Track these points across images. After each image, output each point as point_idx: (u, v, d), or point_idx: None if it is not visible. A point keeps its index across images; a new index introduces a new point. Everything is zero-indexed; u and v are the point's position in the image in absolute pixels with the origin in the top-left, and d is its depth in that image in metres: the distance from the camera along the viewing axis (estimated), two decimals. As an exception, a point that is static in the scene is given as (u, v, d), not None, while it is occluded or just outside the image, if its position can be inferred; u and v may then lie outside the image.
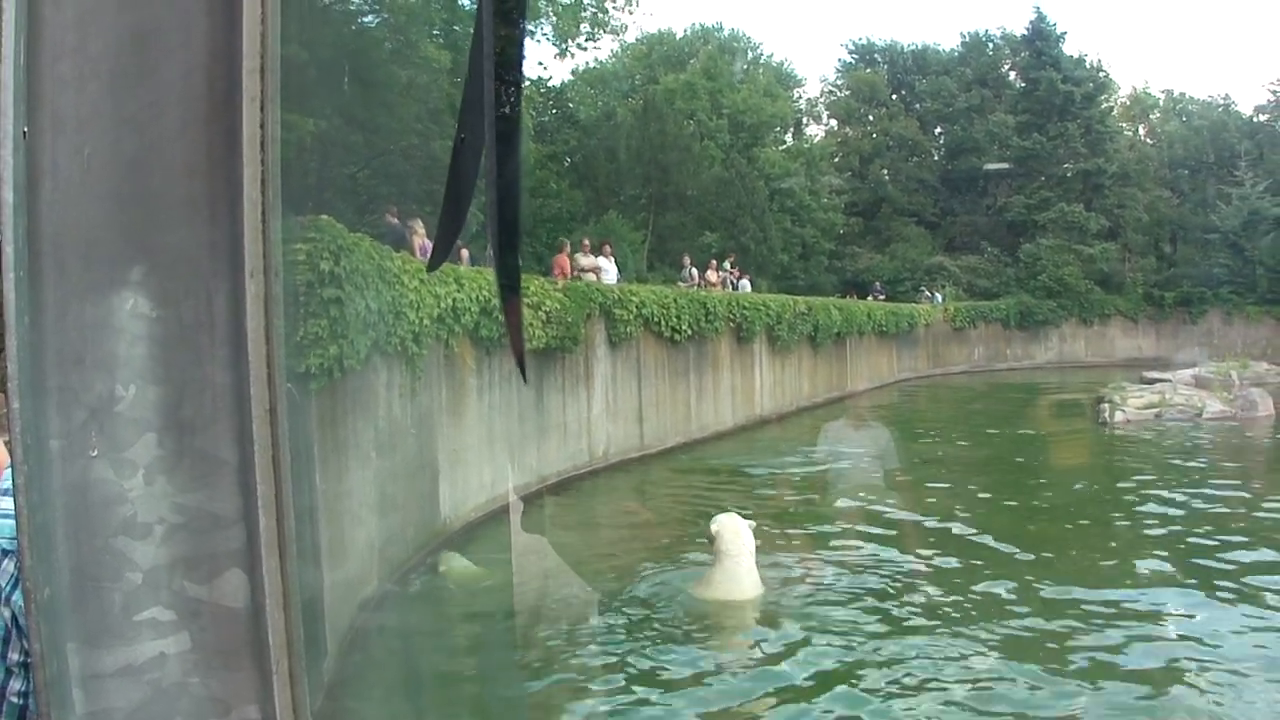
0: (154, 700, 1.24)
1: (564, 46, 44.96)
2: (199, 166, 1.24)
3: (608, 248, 28.27)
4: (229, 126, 1.24)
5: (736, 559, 11.00)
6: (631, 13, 54.10)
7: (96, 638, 1.22)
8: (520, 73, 1.31)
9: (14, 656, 2.28)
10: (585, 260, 26.04)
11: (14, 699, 2.29)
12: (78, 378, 1.22)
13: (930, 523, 15.09)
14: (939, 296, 55.26)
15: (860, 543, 13.84)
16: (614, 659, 9.70)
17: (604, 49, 56.28)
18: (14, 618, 2.25)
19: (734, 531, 11.12)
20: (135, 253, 1.23)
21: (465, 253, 18.32)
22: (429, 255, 16.38)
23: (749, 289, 37.28)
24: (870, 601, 11.14)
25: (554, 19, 42.09)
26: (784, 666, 9.36)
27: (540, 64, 46.53)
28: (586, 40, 46.32)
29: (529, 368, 17.44)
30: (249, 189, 1.23)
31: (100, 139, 1.22)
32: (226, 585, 1.25)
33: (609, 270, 26.26)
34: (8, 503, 2.23)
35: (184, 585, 1.24)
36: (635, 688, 8.99)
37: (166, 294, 1.23)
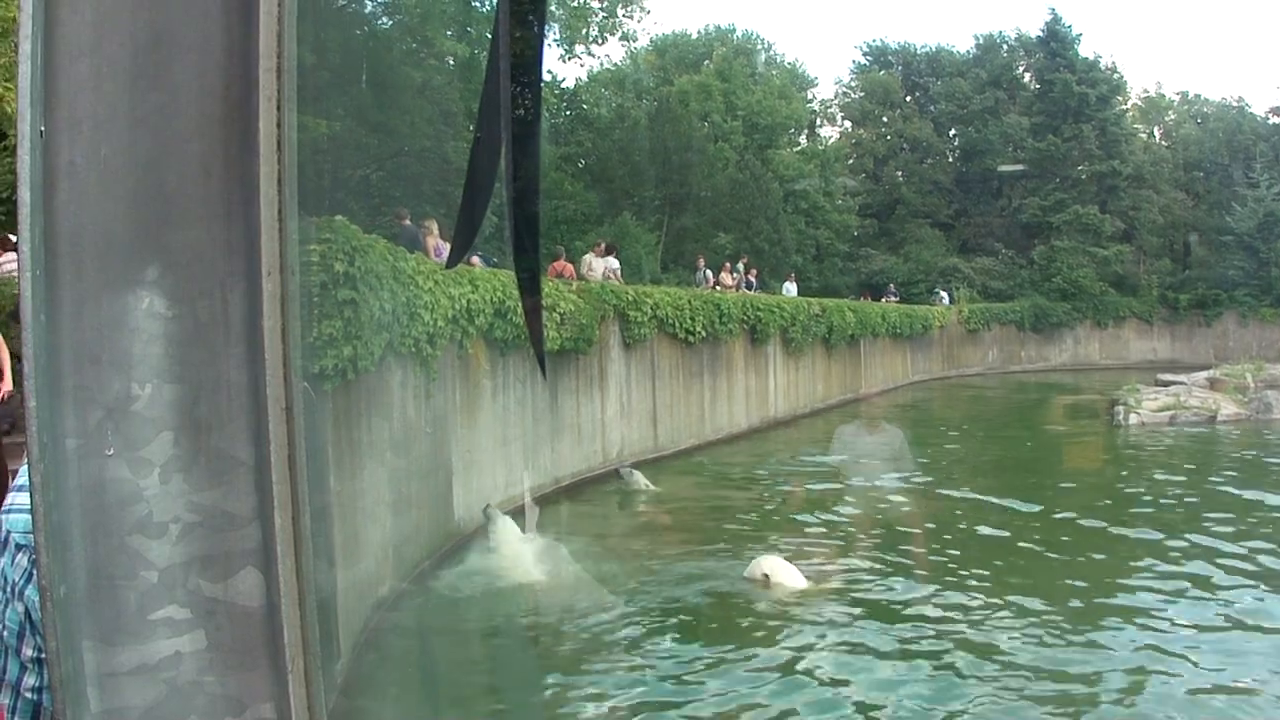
0: (169, 698, 1.24)
1: (570, 50, 44.85)
2: (215, 166, 1.24)
3: (601, 245, 28.27)
4: (245, 126, 1.24)
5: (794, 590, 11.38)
6: (639, 20, 54.00)
7: (112, 636, 1.23)
8: (538, 74, 1.31)
9: (28, 652, 2.28)
10: (599, 263, 26.03)
11: (28, 694, 2.29)
12: (94, 376, 1.22)
13: (945, 524, 15.06)
14: (946, 296, 55.01)
15: (877, 544, 13.83)
16: (632, 657, 9.72)
17: (613, 53, 56.13)
18: (28, 612, 2.26)
19: (786, 570, 11.63)
20: (151, 252, 1.24)
21: (476, 260, 18.31)
22: (443, 255, 16.41)
23: (794, 292, 37.37)
24: (890, 605, 11.15)
25: (563, 21, 42.01)
26: (805, 663, 9.39)
27: (549, 72, 46.26)
28: (593, 44, 46.22)
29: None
30: (265, 188, 1.23)
31: (117, 139, 1.23)
32: (242, 584, 1.26)
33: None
34: (22, 498, 2.24)
35: (199, 584, 1.25)
36: (652, 686, 9.00)
37: (182, 293, 1.24)
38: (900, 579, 12.09)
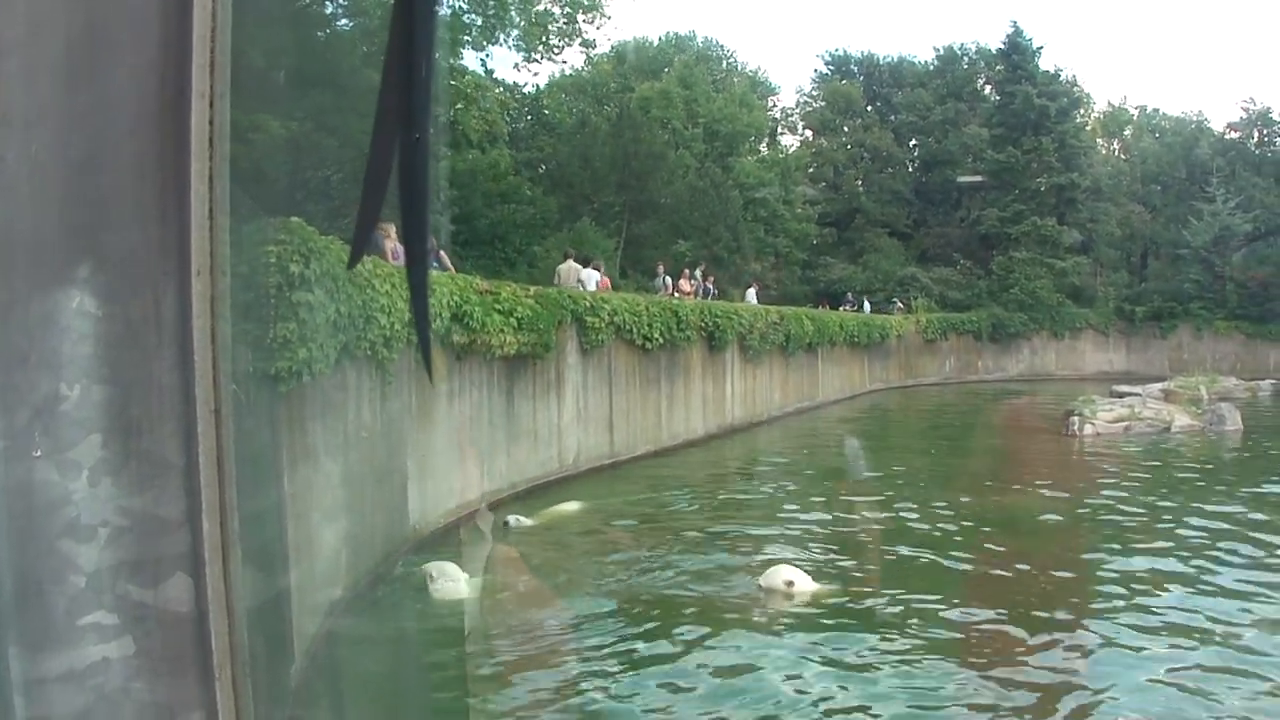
0: (97, 706, 1.22)
1: (529, 56, 44.49)
2: (148, 165, 1.22)
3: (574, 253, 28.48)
4: (179, 124, 1.22)
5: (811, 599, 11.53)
6: (599, 28, 53.83)
7: (39, 642, 1.21)
8: (430, 65, 1.30)
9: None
10: (590, 275, 26.36)
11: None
12: (22, 376, 1.20)
13: (895, 534, 15.11)
14: (868, 305, 54.80)
15: (829, 552, 13.86)
16: (595, 665, 9.70)
17: (572, 60, 55.80)
18: None
19: (803, 577, 11.66)
20: (82, 251, 1.21)
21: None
22: (400, 258, 16.33)
23: (755, 300, 37.55)
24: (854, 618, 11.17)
25: (522, 28, 41.63)
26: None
27: (507, 79, 45.92)
28: (553, 50, 45.77)
29: (500, 374, 17.41)
30: (196, 185, 1.21)
31: (49, 136, 1.21)
32: (171, 590, 1.23)
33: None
34: None
35: (128, 589, 1.22)
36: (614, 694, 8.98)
37: (113, 292, 1.22)
38: (850, 592, 12.12)
